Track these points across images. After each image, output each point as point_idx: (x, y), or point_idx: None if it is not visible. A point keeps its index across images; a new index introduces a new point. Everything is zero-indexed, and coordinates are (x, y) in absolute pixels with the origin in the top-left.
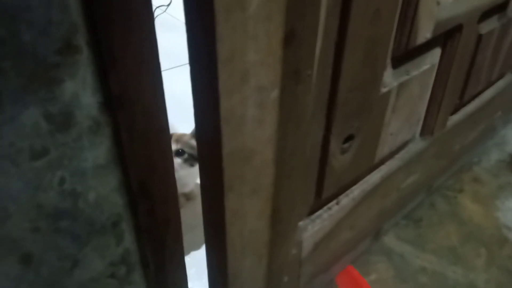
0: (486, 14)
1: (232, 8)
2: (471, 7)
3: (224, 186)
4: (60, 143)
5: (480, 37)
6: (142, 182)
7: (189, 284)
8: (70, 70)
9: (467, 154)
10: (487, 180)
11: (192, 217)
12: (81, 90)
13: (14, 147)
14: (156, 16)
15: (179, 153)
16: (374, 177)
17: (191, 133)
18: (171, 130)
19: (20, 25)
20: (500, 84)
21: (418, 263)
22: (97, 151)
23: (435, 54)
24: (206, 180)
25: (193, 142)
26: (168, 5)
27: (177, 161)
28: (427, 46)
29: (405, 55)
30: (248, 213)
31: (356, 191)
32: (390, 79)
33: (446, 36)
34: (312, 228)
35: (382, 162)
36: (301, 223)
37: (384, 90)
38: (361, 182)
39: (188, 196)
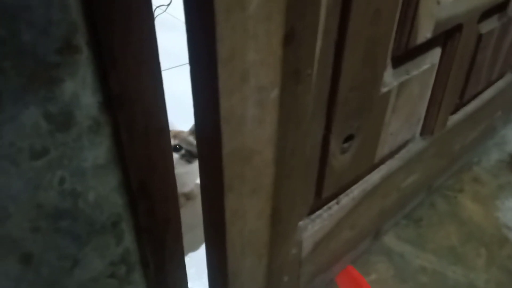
0: (486, 14)
1: (232, 8)
2: (471, 7)
3: (224, 186)
4: (60, 143)
5: (480, 36)
6: (142, 182)
7: (189, 284)
8: (70, 70)
9: (467, 154)
10: (487, 180)
11: (192, 217)
12: (81, 90)
13: (14, 147)
14: (156, 16)
15: (176, 148)
16: (374, 177)
17: (189, 130)
18: (170, 129)
19: (20, 25)
20: (500, 84)
21: (418, 263)
22: (97, 151)
23: (435, 54)
24: (206, 180)
25: (191, 139)
26: (168, 5)
27: (174, 156)
28: (427, 46)
29: (405, 54)
30: (248, 213)
31: (356, 191)
32: (390, 78)
33: (446, 36)
34: (312, 228)
35: (382, 162)
36: (301, 223)
37: (384, 89)
38: (361, 182)
39: (188, 196)
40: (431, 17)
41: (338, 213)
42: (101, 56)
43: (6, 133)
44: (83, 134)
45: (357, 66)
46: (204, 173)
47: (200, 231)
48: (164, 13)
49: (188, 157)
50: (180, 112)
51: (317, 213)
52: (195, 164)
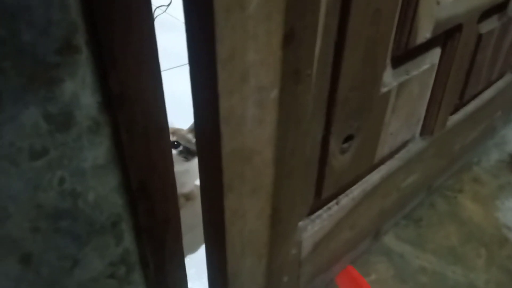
0: (486, 14)
1: (232, 8)
2: (471, 7)
3: (224, 186)
4: (60, 143)
5: (480, 36)
6: (142, 182)
7: (189, 284)
8: (70, 70)
9: (467, 154)
10: (487, 180)
11: (191, 217)
12: (80, 90)
13: (14, 147)
14: (156, 16)
15: (175, 145)
16: (374, 177)
17: (189, 128)
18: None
19: (20, 25)
20: (500, 84)
21: (418, 263)
22: (97, 151)
23: (435, 54)
24: (206, 180)
25: (190, 136)
26: (168, 5)
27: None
28: (427, 46)
29: (405, 55)
30: (248, 213)
31: (356, 191)
32: (390, 79)
33: (446, 36)
34: (312, 228)
35: (382, 162)
36: (301, 223)
37: (384, 90)
38: (361, 182)
39: (188, 197)
40: (430, 17)
41: (338, 213)
42: (101, 56)
43: (6, 133)
44: (83, 134)
45: (357, 66)
46: (204, 173)
47: (200, 232)
48: (164, 13)
49: (186, 154)
50: (180, 112)
51: (317, 213)
52: (193, 162)
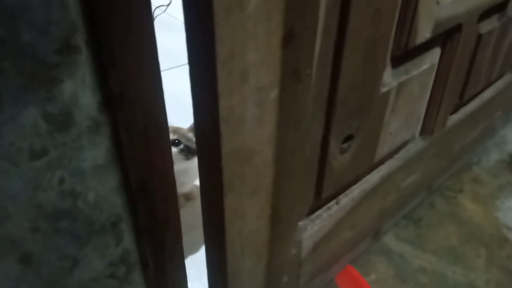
0: (485, 14)
1: (231, 8)
2: (471, 7)
3: (224, 186)
4: (60, 143)
5: (480, 36)
6: (142, 182)
7: (189, 284)
8: (70, 70)
9: (467, 154)
10: (487, 180)
11: (191, 217)
12: (80, 90)
13: (14, 147)
14: (156, 16)
15: (175, 143)
16: (373, 177)
17: (189, 127)
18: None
19: (20, 25)
20: (500, 83)
21: (418, 263)
22: (97, 151)
23: (435, 54)
24: (206, 179)
25: (190, 135)
26: (168, 5)
27: (172, 150)
28: (426, 46)
29: (405, 54)
30: (248, 213)
31: (355, 191)
32: (389, 78)
33: (446, 36)
34: (312, 228)
35: (381, 162)
36: (300, 223)
37: (383, 89)
38: (360, 182)
39: (188, 197)
40: (430, 17)
41: (337, 213)
42: (100, 56)
43: (5, 133)
44: (82, 134)
45: (357, 66)
46: (203, 173)
47: (199, 232)
48: (164, 13)
49: (186, 152)
50: (180, 112)
51: (317, 213)
52: (193, 162)
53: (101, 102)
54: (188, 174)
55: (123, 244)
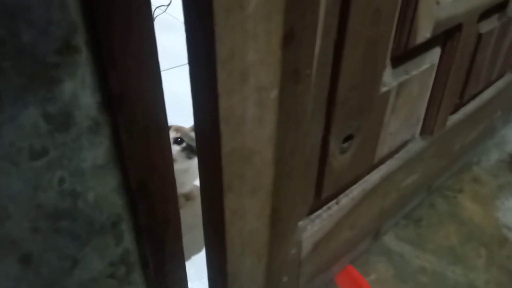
0: (486, 14)
1: (231, 8)
2: (471, 7)
3: (224, 186)
4: (60, 143)
5: (480, 36)
6: (142, 182)
7: (189, 284)
8: (70, 70)
9: (467, 154)
10: (487, 180)
11: (191, 217)
12: (80, 90)
13: (14, 147)
14: (156, 16)
15: (178, 141)
16: (373, 177)
17: (191, 126)
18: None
19: (20, 25)
20: (500, 83)
21: (418, 263)
22: (97, 151)
23: (435, 54)
24: (206, 179)
25: (193, 134)
26: (168, 5)
27: (175, 148)
28: (426, 46)
29: (405, 54)
30: (248, 213)
31: (355, 191)
32: (389, 78)
33: (446, 36)
34: (312, 228)
35: (381, 162)
36: (300, 223)
37: (383, 89)
38: (360, 182)
39: (188, 197)
40: (430, 17)
41: (337, 213)
42: (100, 56)
43: (5, 133)
44: (82, 134)
45: (357, 66)
46: (203, 173)
47: (199, 232)
48: (164, 13)
49: (188, 151)
50: (180, 112)
51: (317, 213)
52: (194, 162)
53: (101, 102)
54: (188, 174)
55: (123, 244)
